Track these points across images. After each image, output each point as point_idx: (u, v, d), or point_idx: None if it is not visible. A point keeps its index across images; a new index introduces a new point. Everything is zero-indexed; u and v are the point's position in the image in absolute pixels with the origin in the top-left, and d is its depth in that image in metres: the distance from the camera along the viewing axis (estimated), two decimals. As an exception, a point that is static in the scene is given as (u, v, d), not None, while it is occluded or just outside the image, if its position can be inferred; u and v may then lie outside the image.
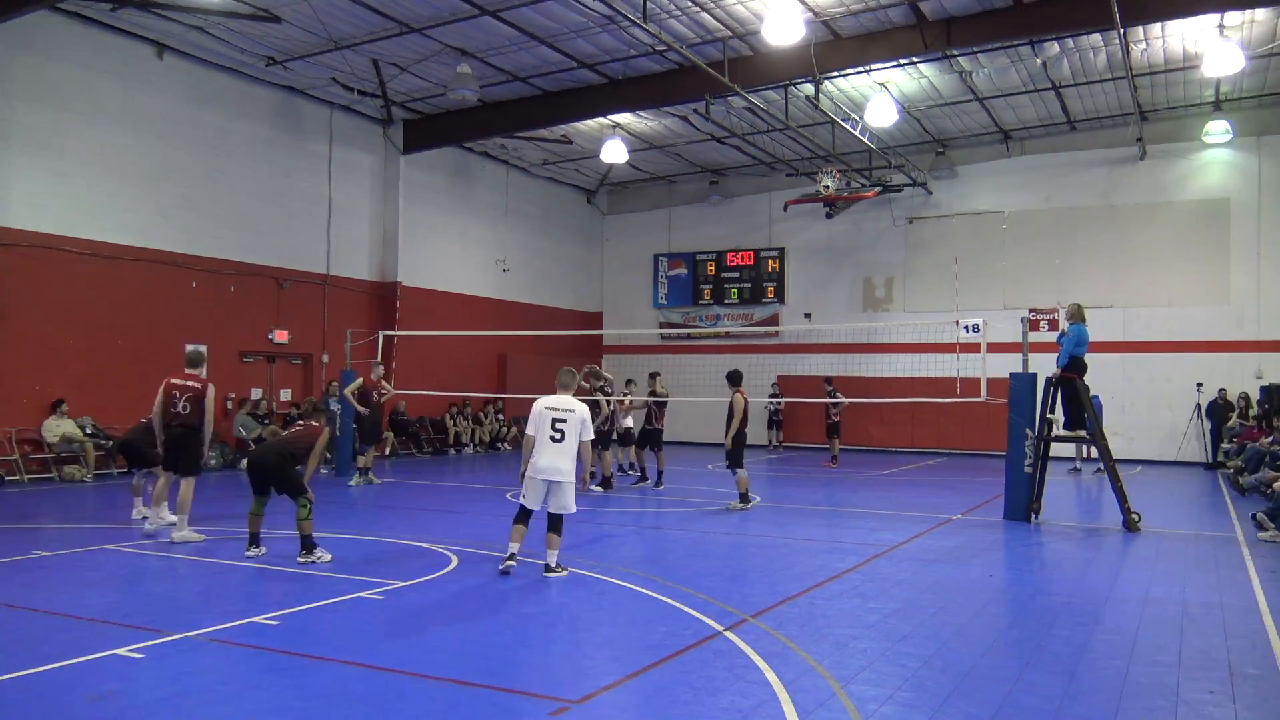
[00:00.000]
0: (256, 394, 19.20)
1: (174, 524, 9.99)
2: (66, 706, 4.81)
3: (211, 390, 9.95)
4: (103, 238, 16.25)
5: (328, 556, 8.65)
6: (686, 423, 26.77)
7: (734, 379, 13.12)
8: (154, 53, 17.04)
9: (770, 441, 25.50)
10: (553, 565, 8.22)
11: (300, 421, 9.28)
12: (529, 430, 8.25)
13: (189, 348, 10.24)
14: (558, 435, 8.14)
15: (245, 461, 9.14)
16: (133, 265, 16.68)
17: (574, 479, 8.29)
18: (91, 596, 7.27)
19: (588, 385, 15.12)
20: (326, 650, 5.84)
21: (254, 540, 8.99)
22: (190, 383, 9.93)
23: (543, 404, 8.29)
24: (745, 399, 12.95)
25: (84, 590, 7.48)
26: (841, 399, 20.22)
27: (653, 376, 16.43)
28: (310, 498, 8.70)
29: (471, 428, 23.30)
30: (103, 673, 5.34)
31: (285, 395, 20.00)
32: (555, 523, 8.26)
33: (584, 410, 8.35)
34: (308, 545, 8.61)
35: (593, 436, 8.66)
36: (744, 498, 12.93)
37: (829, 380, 21.64)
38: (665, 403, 16.10)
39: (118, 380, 16.44)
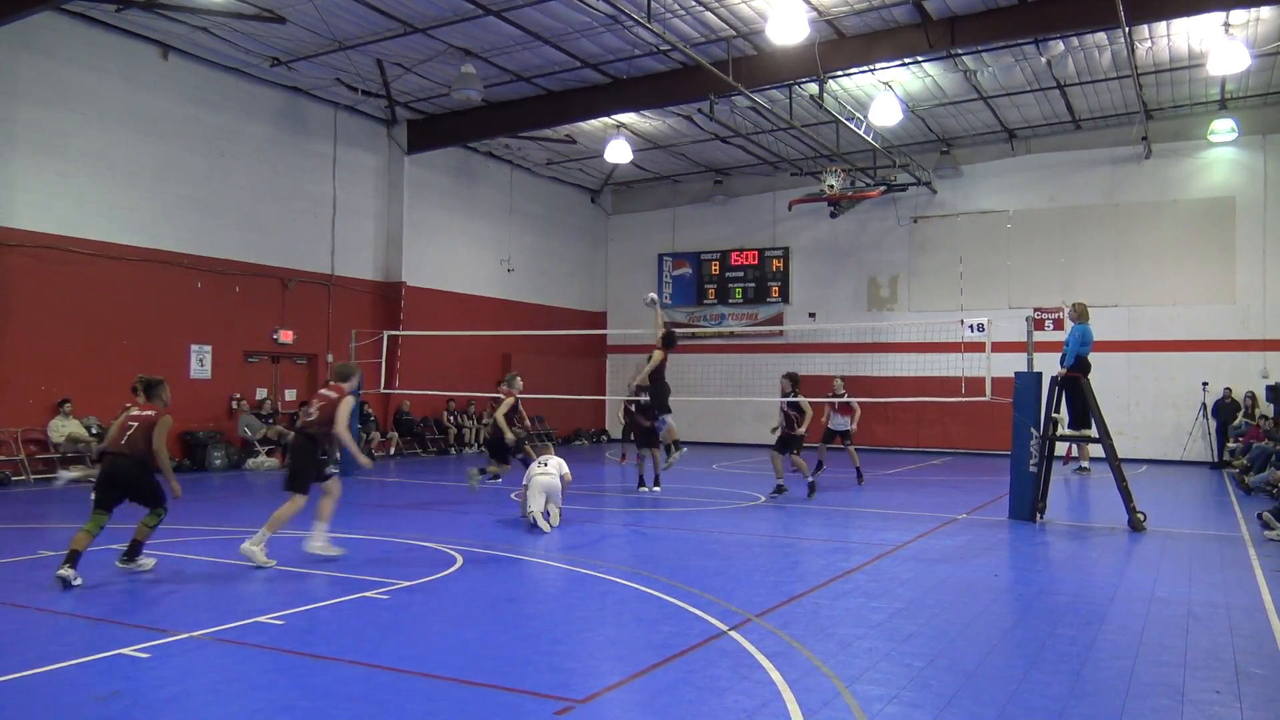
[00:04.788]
0: (261, 394, 19.24)
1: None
2: (73, 706, 4.82)
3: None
4: (107, 238, 16.29)
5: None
6: (690, 423, 26.76)
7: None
8: (159, 53, 17.08)
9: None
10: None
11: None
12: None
13: (340, 364, 10.07)
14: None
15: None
16: (137, 265, 16.72)
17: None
18: (97, 596, 7.27)
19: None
20: (331, 650, 5.85)
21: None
22: (328, 392, 9.23)
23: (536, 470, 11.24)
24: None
25: (90, 590, 7.48)
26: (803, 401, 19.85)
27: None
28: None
29: (476, 427, 23.32)
30: (109, 672, 5.36)
31: (290, 395, 20.03)
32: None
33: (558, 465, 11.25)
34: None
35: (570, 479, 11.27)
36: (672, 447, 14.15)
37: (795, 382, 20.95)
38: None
39: (122, 380, 16.38)
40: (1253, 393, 20.58)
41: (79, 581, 7.43)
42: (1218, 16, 16.07)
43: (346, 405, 8.72)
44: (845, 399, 16.08)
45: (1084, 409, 12.11)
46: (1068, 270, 23.26)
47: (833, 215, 24.10)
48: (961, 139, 23.81)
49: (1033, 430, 12.07)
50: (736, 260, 27.52)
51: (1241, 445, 18.38)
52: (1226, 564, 9.29)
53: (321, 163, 20.35)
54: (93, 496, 7.92)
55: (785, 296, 26.85)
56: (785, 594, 7.63)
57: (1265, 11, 15.95)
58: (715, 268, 27.80)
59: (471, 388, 22.33)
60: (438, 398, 22.19)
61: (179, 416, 17.17)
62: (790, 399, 13.99)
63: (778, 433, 14.33)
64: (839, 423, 16.19)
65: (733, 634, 6.31)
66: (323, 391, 9.02)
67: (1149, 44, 17.69)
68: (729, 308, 27.69)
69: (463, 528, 11.13)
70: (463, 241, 24.10)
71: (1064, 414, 12.27)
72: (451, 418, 23.03)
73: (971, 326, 14.06)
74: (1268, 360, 21.27)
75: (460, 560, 8.87)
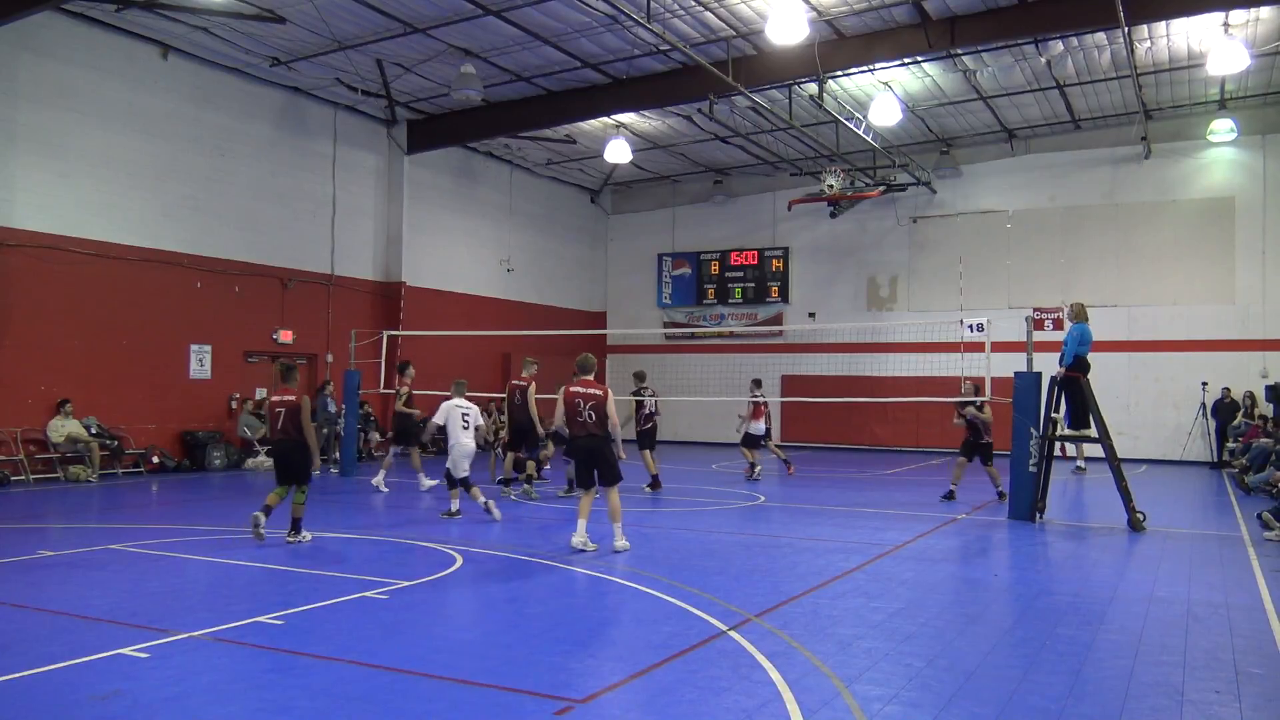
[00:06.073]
0: (261, 394, 19.21)
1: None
2: (72, 705, 4.82)
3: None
4: (108, 238, 16.28)
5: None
6: (690, 422, 26.78)
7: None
8: (159, 53, 17.08)
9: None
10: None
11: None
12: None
13: (582, 356, 9.52)
14: (465, 426, 11.86)
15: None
16: (138, 265, 16.72)
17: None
18: (97, 596, 7.28)
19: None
20: (331, 650, 5.85)
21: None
22: (591, 390, 9.27)
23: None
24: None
25: (89, 590, 7.50)
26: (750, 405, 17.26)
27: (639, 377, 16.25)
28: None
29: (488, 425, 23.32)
30: (108, 672, 5.36)
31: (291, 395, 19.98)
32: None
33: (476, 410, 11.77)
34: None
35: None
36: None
37: (758, 384, 17.84)
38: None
39: (123, 380, 16.49)
40: (1252, 393, 20.58)
41: (261, 530, 9.43)
42: (1217, 16, 16.07)
43: (612, 400, 9.35)
44: (760, 401, 16.93)
45: (1083, 409, 12.11)
46: (1067, 270, 23.26)
47: (832, 215, 24.12)
48: (961, 139, 23.81)
49: (1032, 430, 12.07)
50: (736, 260, 27.52)
51: (1241, 445, 18.38)
52: (1226, 564, 9.30)
53: (321, 163, 20.34)
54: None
55: (785, 296, 26.85)
56: (785, 594, 7.63)
57: (1265, 11, 15.95)
58: (715, 268, 27.81)
59: (472, 388, 22.26)
60: (438, 398, 22.12)
61: (178, 417, 17.40)
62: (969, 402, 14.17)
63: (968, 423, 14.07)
64: (757, 428, 16.95)
65: (732, 634, 6.32)
66: (583, 391, 9.27)
67: (1148, 44, 17.69)
68: (729, 308, 27.69)
69: (462, 528, 11.13)
70: (463, 241, 24.10)
71: (1063, 414, 12.27)
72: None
73: (971, 326, 14.07)
74: (1267, 360, 21.27)
75: (460, 560, 8.87)
